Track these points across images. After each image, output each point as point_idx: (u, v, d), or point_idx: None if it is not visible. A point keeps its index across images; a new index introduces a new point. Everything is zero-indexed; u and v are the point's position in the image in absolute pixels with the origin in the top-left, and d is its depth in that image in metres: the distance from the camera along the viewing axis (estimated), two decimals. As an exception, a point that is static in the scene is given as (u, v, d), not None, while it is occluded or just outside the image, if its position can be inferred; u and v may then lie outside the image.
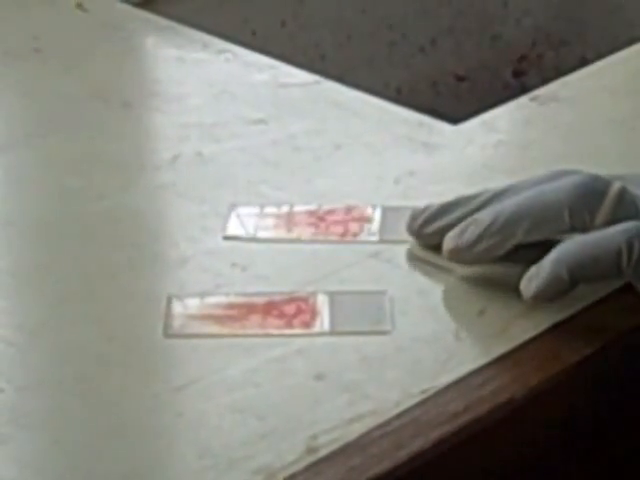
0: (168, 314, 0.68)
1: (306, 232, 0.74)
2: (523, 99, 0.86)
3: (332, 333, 0.68)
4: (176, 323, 0.68)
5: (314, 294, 0.69)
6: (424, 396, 0.64)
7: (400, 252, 0.73)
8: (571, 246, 0.72)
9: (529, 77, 1.19)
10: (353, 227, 0.74)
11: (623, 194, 0.74)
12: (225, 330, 0.68)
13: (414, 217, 0.73)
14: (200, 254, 0.73)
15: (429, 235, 0.73)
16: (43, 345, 0.68)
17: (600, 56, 0.90)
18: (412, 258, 0.72)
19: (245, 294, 0.70)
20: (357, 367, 0.65)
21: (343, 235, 0.74)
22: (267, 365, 0.66)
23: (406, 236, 0.74)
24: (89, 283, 0.72)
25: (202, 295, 0.70)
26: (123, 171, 0.80)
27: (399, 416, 0.62)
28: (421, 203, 0.75)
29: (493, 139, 0.83)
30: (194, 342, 0.67)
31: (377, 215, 0.75)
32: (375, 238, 0.74)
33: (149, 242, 0.76)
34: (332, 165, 0.79)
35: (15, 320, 0.70)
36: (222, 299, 0.69)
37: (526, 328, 0.67)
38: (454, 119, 0.84)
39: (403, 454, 0.61)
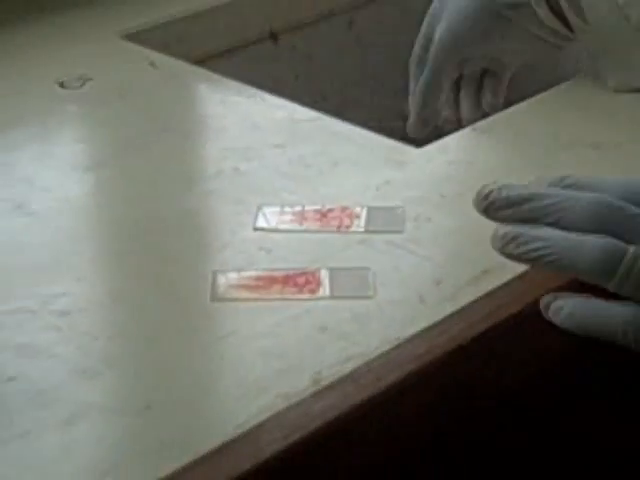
0: (213, 284, 0.68)
1: (313, 225, 0.74)
2: (467, 130, 0.86)
3: (331, 298, 0.68)
4: (219, 291, 0.68)
5: (318, 269, 0.69)
6: (397, 342, 0.64)
7: (380, 240, 0.73)
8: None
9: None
10: (346, 221, 0.74)
11: None
12: (254, 295, 0.68)
13: (484, 195, 0.63)
14: (237, 241, 0.73)
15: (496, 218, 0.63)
16: (124, 306, 0.68)
17: (522, 99, 0.90)
18: (389, 244, 0.72)
19: (269, 269, 0.70)
20: (349, 322, 0.65)
21: (339, 227, 0.74)
22: (285, 321, 0.66)
23: (385, 228, 0.73)
24: (156, 262, 0.72)
25: (238, 270, 0.70)
26: (181, 182, 0.80)
27: (379, 357, 0.63)
28: (395, 204, 0.75)
29: (446, 158, 0.82)
30: (232, 304, 0.67)
31: (364, 213, 0.75)
32: (362, 230, 0.73)
33: (200, 233, 0.76)
34: (331, 177, 0.79)
35: (104, 289, 0.70)
36: (252, 273, 0.69)
37: (471, 294, 0.67)
38: (418, 144, 0.83)
39: (382, 384, 0.61)
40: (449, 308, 0.66)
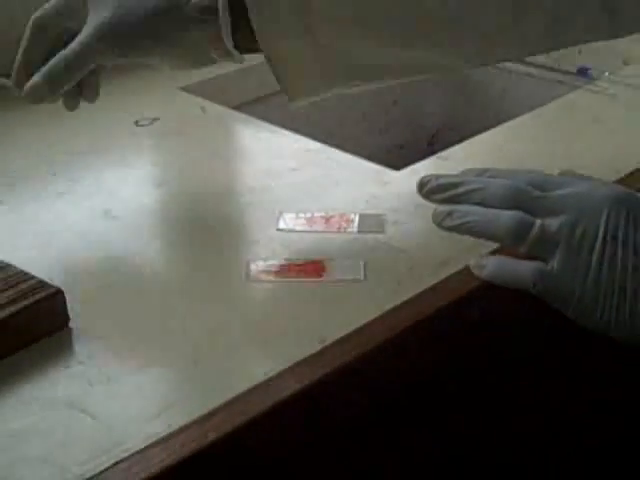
0: (247, 269, 0.68)
1: (319, 227, 0.74)
2: (433, 158, 0.86)
3: (333, 280, 0.67)
4: (251, 274, 0.68)
5: (323, 259, 0.69)
6: (381, 312, 0.63)
7: (369, 238, 0.72)
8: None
9: (436, 146, 1.19)
10: (344, 225, 0.74)
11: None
12: (277, 278, 0.67)
13: (423, 183, 0.64)
14: (264, 238, 0.72)
15: (433, 200, 0.63)
16: (182, 285, 0.68)
17: (478, 133, 0.89)
18: (375, 241, 0.72)
19: (288, 259, 0.69)
20: (347, 298, 0.65)
21: (339, 229, 0.73)
22: (299, 296, 0.65)
23: (372, 229, 0.73)
24: (206, 253, 0.71)
25: (265, 259, 0.69)
26: (223, 195, 0.80)
27: (370, 323, 0.62)
28: (380, 212, 0.75)
29: (417, 178, 0.81)
30: (261, 284, 0.67)
31: (356, 218, 0.74)
32: (355, 231, 0.73)
33: (237, 232, 0.76)
34: (333, 192, 0.79)
35: (169, 272, 0.70)
36: (276, 262, 0.69)
37: (435, 277, 0.67)
38: (397, 168, 0.83)
39: (372, 343, 0.61)
40: (419, 288, 0.66)
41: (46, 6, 0.71)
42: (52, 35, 0.70)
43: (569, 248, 0.59)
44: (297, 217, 0.74)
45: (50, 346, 0.60)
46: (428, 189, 0.64)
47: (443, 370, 0.66)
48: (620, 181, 0.77)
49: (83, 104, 0.96)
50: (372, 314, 0.63)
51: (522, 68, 1.13)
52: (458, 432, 0.71)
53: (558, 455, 0.80)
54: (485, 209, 0.61)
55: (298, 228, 0.73)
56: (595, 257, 0.58)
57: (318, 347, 0.60)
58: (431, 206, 0.76)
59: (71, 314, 0.62)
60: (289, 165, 0.83)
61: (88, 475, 0.51)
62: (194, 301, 0.65)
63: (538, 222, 0.59)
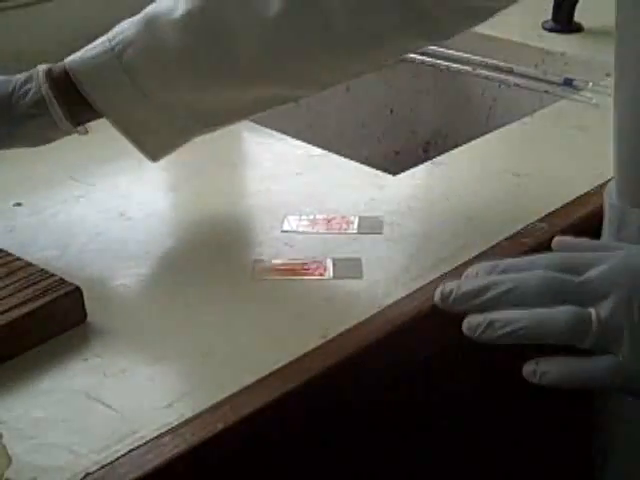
0: (254, 268, 0.68)
1: (321, 228, 0.73)
2: (427, 163, 0.85)
3: (334, 278, 0.67)
4: (257, 273, 0.68)
5: (325, 259, 0.69)
6: (379, 309, 0.63)
7: (367, 239, 0.72)
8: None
9: (430, 153, 1.18)
10: (344, 226, 0.73)
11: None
12: (281, 276, 0.67)
13: (445, 294, 0.52)
14: (269, 239, 0.72)
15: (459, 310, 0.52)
16: (193, 282, 0.67)
17: (470, 140, 0.89)
18: (373, 242, 0.72)
19: (292, 259, 0.69)
20: (346, 295, 0.65)
21: (339, 230, 0.73)
22: (303, 293, 0.65)
23: (371, 231, 0.72)
24: (214, 252, 0.71)
25: (270, 259, 0.69)
26: (232, 198, 0.80)
27: (368, 319, 0.62)
28: (377, 214, 0.74)
29: (412, 183, 0.82)
30: (266, 282, 0.67)
31: (356, 220, 0.74)
32: (355, 232, 0.73)
33: (245, 233, 0.76)
34: (334, 195, 0.79)
35: (180, 269, 0.70)
36: (280, 261, 0.69)
37: (431, 275, 0.67)
38: (394, 173, 0.83)
39: (372, 337, 0.61)
40: (415, 285, 0.66)
41: None
42: None
43: (633, 331, 0.49)
44: (300, 219, 0.74)
45: (68, 340, 0.60)
46: (453, 300, 0.52)
47: (440, 364, 0.66)
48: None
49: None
50: (371, 310, 0.63)
51: (511, 79, 1.12)
52: (456, 425, 0.71)
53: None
54: (529, 311, 0.50)
55: (301, 229, 0.73)
56: None
57: (320, 341, 0.60)
58: (426, 208, 0.77)
59: (88, 310, 0.62)
60: (293, 170, 0.83)
61: (104, 462, 0.51)
62: (203, 298, 0.65)
63: (594, 313, 0.49)
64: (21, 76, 0.69)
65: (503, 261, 0.53)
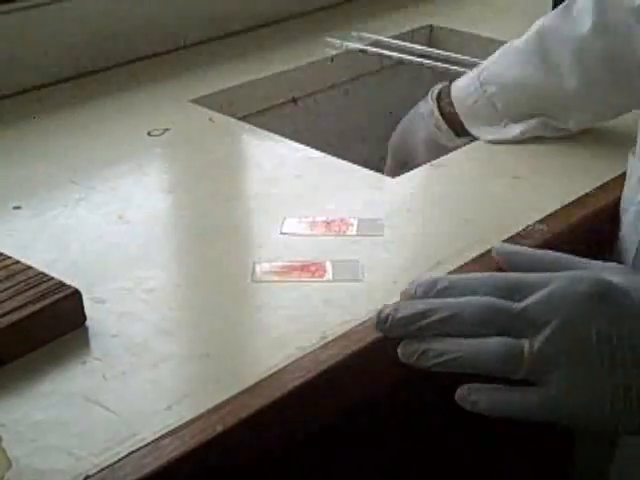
0: (253, 270, 0.68)
1: (321, 231, 0.73)
2: (426, 166, 0.85)
3: (333, 280, 0.67)
4: (257, 275, 0.67)
5: (325, 261, 0.69)
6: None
7: (366, 241, 0.72)
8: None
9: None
10: (343, 228, 0.73)
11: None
12: (281, 279, 0.67)
13: (381, 319, 0.54)
14: (269, 241, 0.72)
15: (394, 336, 0.54)
16: (191, 286, 0.68)
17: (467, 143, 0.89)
18: (372, 244, 0.72)
19: (291, 261, 0.69)
20: (346, 297, 0.65)
21: (338, 232, 0.73)
22: (301, 296, 0.65)
23: (370, 233, 0.72)
24: (213, 255, 0.71)
25: (269, 261, 0.69)
26: (231, 200, 0.80)
27: (366, 321, 0.62)
28: (376, 216, 0.74)
29: (411, 185, 0.82)
30: (266, 285, 0.67)
31: (355, 222, 0.74)
32: (354, 234, 0.73)
33: (244, 235, 0.75)
34: (333, 198, 0.79)
35: (178, 274, 0.70)
36: (279, 263, 0.69)
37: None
38: (391, 176, 0.83)
39: (368, 339, 0.60)
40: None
41: None
42: None
43: (564, 365, 0.49)
44: (300, 221, 0.74)
45: (68, 343, 0.60)
46: (390, 325, 0.53)
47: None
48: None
49: (101, 116, 0.97)
50: (370, 312, 0.62)
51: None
52: (455, 428, 0.70)
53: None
54: (463, 341, 0.50)
55: (300, 232, 0.73)
56: (595, 364, 0.49)
57: (320, 343, 0.60)
58: (425, 210, 0.77)
59: (87, 313, 0.62)
60: (292, 173, 0.83)
61: (104, 464, 0.51)
62: (203, 300, 0.65)
63: (526, 345, 0.50)
64: None
65: (442, 278, 0.53)
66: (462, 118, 0.86)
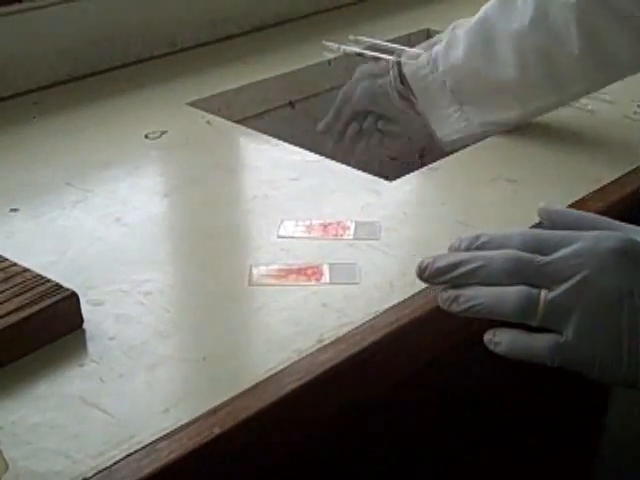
0: (250, 274, 0.68)
1: (318, 234, 0.73)
2: (423, 169, 0.86)
3: (330, 283, 0.67)
4: (254, 278, 0.68)
5: (322, 264, 0.69)
6: (375, 314, 0.63)
7: (363, 244, 0.72)
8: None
9: (426, 158, 1.19)
10: (340, 231, 0.73)
11: None
12: (278, 282, 0.67)
13: (422, 269, 0.56)
14: (266, 244, 0.72)
15: (433, 284, 0.56)
16: (188, 288, 0.68)
17: (465, 147, 0.89)
18: (369, 247, 0.72)
19: (288, 264, 0.69)
20: (343, 300, 0.65)
21: (336, 235, 0.73)
22: (298, 299, 0.65)
23: (367, 236, 0.72)
24: (210, 258, 0.71)
25: (267, 264, 0.69)
26: (227, 203, 0.80)
27: (363, 324, 0.62)
28: (373, 219, 0.74)
29: (408, 188, 0.82)
30: (263, 288, 0.67)
31: (352, 225, 0.74)
32: (351, 237, 0.73)
33: (241, 238, 0.75)
34: (330, 201, 0.79)
35: (175, 276, 0.70)
36: (276, 266, 0.69)
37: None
38: (390, 179, 0.83)
39: (365, 343, 0.61)
40: (411, 291, 0.66)
41: (355, 88, 0.97)
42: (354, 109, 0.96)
43: (582, 314, 0.52)
44: (297, 225, 0.74)
45: (65, 346, 0.60)
46: (428, 275, 0.56)
47: (437, 368, 0.66)
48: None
49: (98, 119, 0.97)
50: (367, 315, 0.63)
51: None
52: (455, 427, 0.71)
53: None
54: (489, 288, 0.54)
55: (298, 235, 0.73)
56: (612, 317, 0.51)
57: (317, 346, 0.60)
58: (422, 214, 0.77)
59: (85, 315, 0.62)
60: (289, 176, 0.83)
61: (100, 467, 0.51)
62: (200, 303, 0.65)
63: (543, 294, 0.53)
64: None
65: (484, 234, 0.56)
66: (414, 89, 0.90)
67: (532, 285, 0.53)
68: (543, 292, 0.53)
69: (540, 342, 0.53)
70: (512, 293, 0.53)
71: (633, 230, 0.57)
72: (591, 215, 0.59)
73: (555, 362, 0.53)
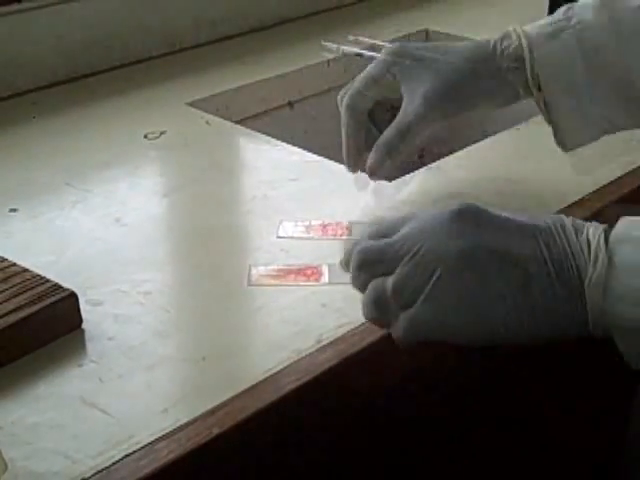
0: (249, 274, 0.68)
1: (317, 234, 0.73)
2: (422, 169, 0.86)
3: (329, 284, 0.67)
4: (253, 279, 0.68)
5: (321, 264, 0.69)
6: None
7: (363, 244, 0.72)
8: None
9: (425, 159, 1.18)
10: (339, 232, 0.73)
11: None
12: (277, 282, 0.67)
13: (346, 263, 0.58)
14: (265, 244, 0.72)
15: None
16: (187, 288, 0.68)
17: (464, 147, 0.89)
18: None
19: (287, 264, 0.69)
20: (342, 301, 0.65)
21: (335, 235, 0.73)
22: (297, 300, 0.65)
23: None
24: (209, 258, 0.71)
25: (266, 265, 0.69)
26: (227, 204, 0.80)
27: (362, 324, 0.62)
28: (372, 220, 0.75)
29: (406, 189, 0.82)
30: (262, 288, 0.67)
31: (351, 226, 0.74)
32: (350, 237, 0.73)
33: (240, 238, 0.75)
34: (329, 201, 0.79)
35: (174, 276, 0.70)
36: (275, 267, 0.69)
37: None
38: (389, 179, 0.83)
39: (364, 343, 0.61)
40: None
41: (351, 89, 0.77)
42: (363, 112, 0.76)
43: (425, 286, 0.52)
44: (296, 225, 0.74)
45: (64, 346, 0.60)
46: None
47: (436, 368, 0.66)
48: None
49: (97, 119, 0.97)
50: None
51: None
52: (454, 428, 0.71)
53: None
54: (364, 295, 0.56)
55: (297, 235, 0.73)
56: (456, 280, 0.51)
57: (316, 346, 0.60)
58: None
59: (84, 315, 0.62)
60: (288, 176, 0.83)
61: (100, 467, 0.51)
62: (199, 303, 0.65)
63: (389, 280, 0.53)
64: (498, 36, 0.72)
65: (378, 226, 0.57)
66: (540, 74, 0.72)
67: (385, 271, 0.53)
68: (389, 279, 0.53)
69: (397, 322, 0.54)
70: (368, 292, 0.55)
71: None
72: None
73: (410, 337, 0.53)
